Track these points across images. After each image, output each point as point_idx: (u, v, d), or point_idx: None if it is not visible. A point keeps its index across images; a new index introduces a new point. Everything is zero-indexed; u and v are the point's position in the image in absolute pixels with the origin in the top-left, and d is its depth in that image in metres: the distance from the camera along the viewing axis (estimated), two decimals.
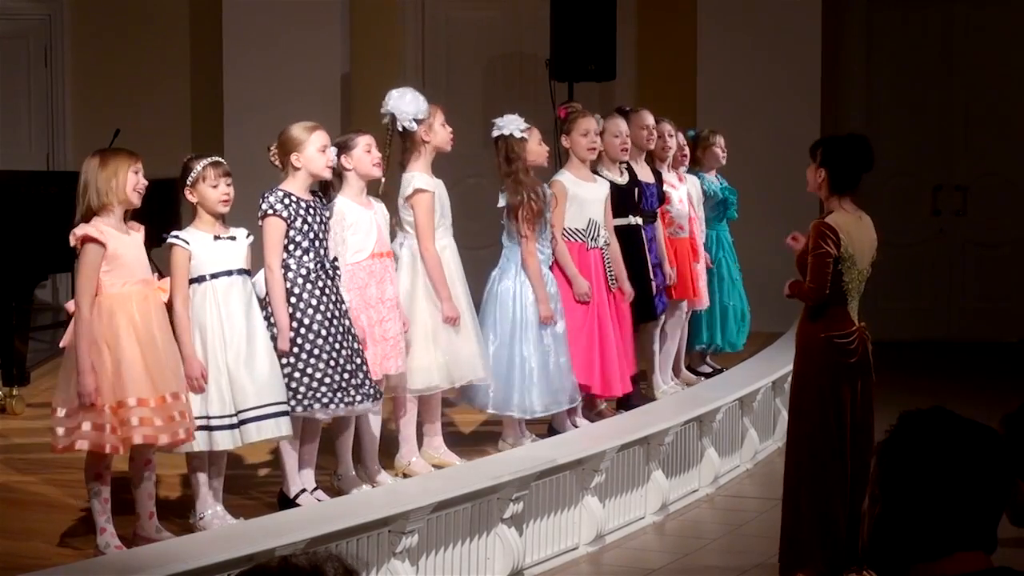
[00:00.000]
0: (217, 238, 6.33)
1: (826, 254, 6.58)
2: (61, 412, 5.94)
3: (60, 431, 5.92)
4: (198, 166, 6.30)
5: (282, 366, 6.49)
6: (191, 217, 6.45)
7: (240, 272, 6.38)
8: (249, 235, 6.47)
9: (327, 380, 6.56)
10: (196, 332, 6.20)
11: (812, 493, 6.70)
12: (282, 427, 6.35)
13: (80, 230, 5.94)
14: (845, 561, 6.64)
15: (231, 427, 6.21)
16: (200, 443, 6.17)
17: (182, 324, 6.17)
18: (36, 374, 9.36)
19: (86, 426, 5.86)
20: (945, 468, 2.64)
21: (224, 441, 6.23)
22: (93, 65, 13.62)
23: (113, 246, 5.93)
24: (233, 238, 6.38)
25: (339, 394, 6.59)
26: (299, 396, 6.52)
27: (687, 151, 9.67)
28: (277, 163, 6.69)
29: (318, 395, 6.54)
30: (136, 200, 6.02)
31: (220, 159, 6.40)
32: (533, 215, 7.69)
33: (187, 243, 6.26)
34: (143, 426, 5.85)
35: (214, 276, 6.30)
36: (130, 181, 5.98)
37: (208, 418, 6.18)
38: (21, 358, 8.98)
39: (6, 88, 13.64)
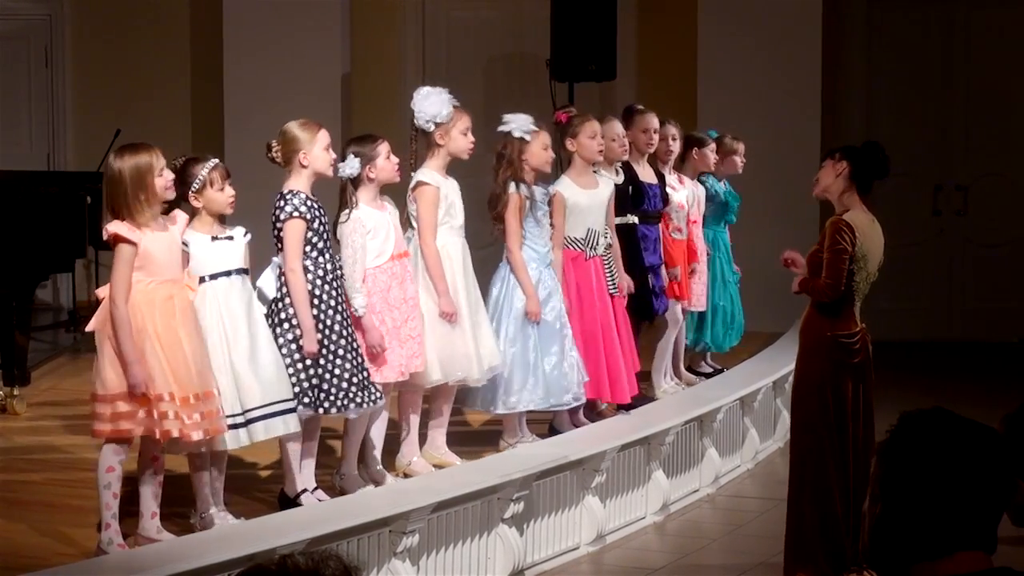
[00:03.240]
0: (215, 239, 6.33)
1: (843, 250, 6.60)
2: (107, 397, 5.90)
3: (106, 414, 5.90)
4: (203, 171, 6.28)
5: (307, 367, 6.51)
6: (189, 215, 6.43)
7: (239, 272, 6.38)
8: (247, 233, 6.46)
9: (355, 380, 6.60)
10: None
11: (814, 492, 6.71)
12: (290, 424, 6.39)
13: (112, 227, 5.94)
14: (846, 561, 6.64)
15: (237, 427, 6.22)
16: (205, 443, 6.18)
17: None
18: (37, 374, 9.37)
19: (141, 414, 5.88)
20: (945, 468, 2.64)
21: (231, 440, 6.23)
22: (93, 65, 13.62)
23: (144, 244, 5.95)
24: (231, 238, 6.38)
25: (363, 393, 6.62)
26: (332, 397, 6.54)
27: (675, 145, 9.47)
28: (279, 160, 6.68)
29: (350, 394, 6.58)
30: (171, 195, 6.05)
31: (218, 160, 6.39)
32: (505, 210, 7.65)
33: (186, 245, 6.25)
34: (177, 420, 5.88)
35: (213, 277, 6.30)
36: (159, 184, 5.98)
37: None
38: (22, 358, 8.98)
39: (7, 88, 13.64)
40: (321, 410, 6.57)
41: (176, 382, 5.90)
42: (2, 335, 8.87)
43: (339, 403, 6.57)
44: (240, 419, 6.22)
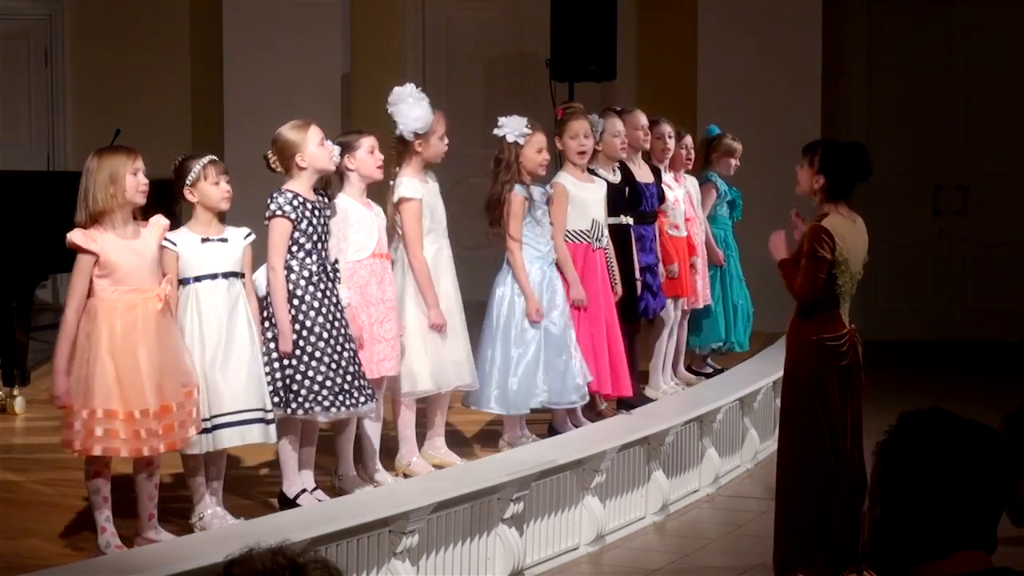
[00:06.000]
0: (206, 240, 6.27)
1: (822, 258, 6.60)
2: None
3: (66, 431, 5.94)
4: (197, 165, 6.27)
5: (282, 367, 6.49)
6: (189, 218, 6.43)
7: (227, 275, 6.30)
8: (249, 235, 6.43)
9: (328, 383, 6.56)
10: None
11: (808, 494, 6.71)
12: (256, 434, 6.27)
13: (71, 236, 5.89)
14: (845, 561, 6.64)
15: (205, 431, 6.13)
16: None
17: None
18: (36, 374, 9.35)
19: (76, 425, 5.87)
20: (945, 468, 2.64)
21: (195, 445, 6.14)
22: (93, 65, 13.61)
23: (107, 254, 5.88)
24: (225, 240, 6.34)
25: (340, 397, 6.59)
26: (300, 399, 6.51)
27: (692, 155, 9.61)
28: (279, 169, 6.68)
29: (319, 398, 6.54)
30: (140, 199, 5.96)
31: (215, 157, 6.38)
32: (503, 215, 7.65)
33: (175, 245, 6.22)
34: (108, 438, 5.81)
35: (197, 279, 6.24)
36: (130, 183, 5.92)
37: None
38: (22, 358, 8.97)
39: (6, 88, 13.63)
40: (288, 411, 6.51)
41: (121, 398, 5.82)
42: (2, 335, 8.88)
43: (306, 404, 6.51)
44: (207, 424, 6.16)
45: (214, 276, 6.26)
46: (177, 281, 6.20)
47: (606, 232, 8.21)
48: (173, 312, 6.12)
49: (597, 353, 8.01)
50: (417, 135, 7.23)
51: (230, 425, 6.20)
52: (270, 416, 6.33)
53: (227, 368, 6.22)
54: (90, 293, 5.93)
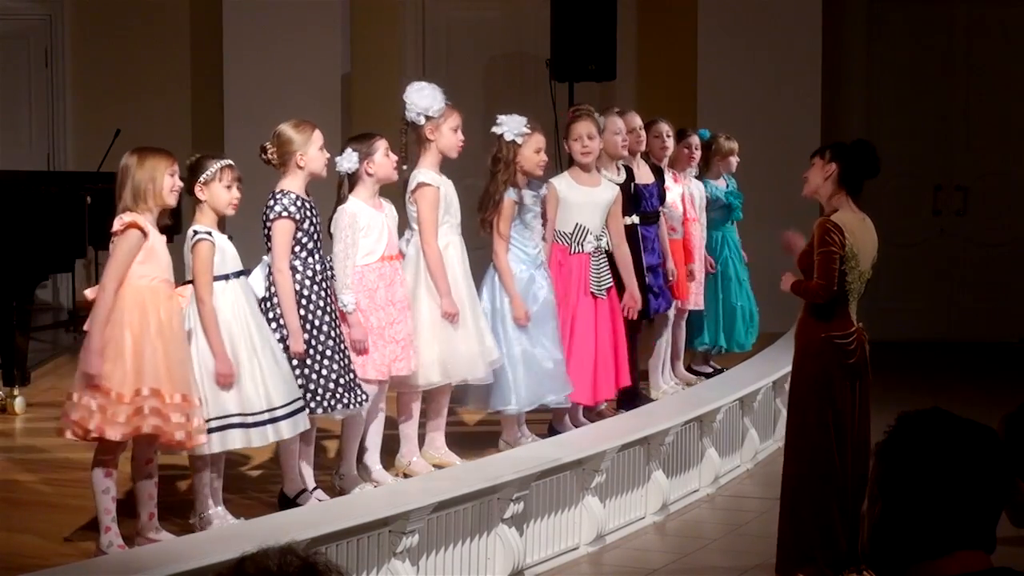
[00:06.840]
0: (231, 237, 6.36)
1: (833, 251, 6.60)
2: (75, 397, 5.92)
3: (74, 416, 5.89)
4: (215, 165, 6.27)
5: (294, 367, 6.51)
6: (190, 219, 6.43)
7: (246, 272, 6.41)
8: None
9: (342, 380, 6.60)
10: (224, 330, 6.19)
11: (811, 494, 6.71)
12: (307, 422, 6.44)
13: (129, 216, 5.93)
14: (845, 562, 6.65)
15: (265, 423, 6.21)
16: (237, 441, 6.18)
17: (211, 320, 6.13)
18: (36, 374, 9.37)
19: (92, 404, 5.84)
20: (944, 468, 2.64)
21: (259, 438, 6.22)
22: (93, 65, 13.62)
23: (152, 240, 5.96)
24: (231, 238, 6.40)
25: (349, 394, 6.63)
26: (319, 397, 6.54)
27: (697, 153, 9.63)
28: (274, 162, 6.69)
29: (337, 395, 6.58)
30: (173, 201, 6.06)
31: (233, 163, 6.38)
32: (494, 215, 7.65)
33: (209, 235, 6.24)
34: (154, 416, 5.83)
35: (237, 275, 6.31)
36: (167, 183, 5.99)
37: (243, 415, 6.16)
38: (22, 358, 8.98)
39: (6, 88, 13.64)
40: (307, 410, 6.55)
41: (169, 380, 5.88)
42: (2, 335, 8.88)
43: (326, 403, 6.57)
44: (266, 416, 6.21)
45: (246, 272, 6.36)
46: (212, 276, 6.20)
47: (593, 239, 8.13)
48: (209, 314, 6.15)
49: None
50: (427, 119, 7.24)
51: (287, 416, 6.28)
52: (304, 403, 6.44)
53: (279, 361, 6.31)
54: None
